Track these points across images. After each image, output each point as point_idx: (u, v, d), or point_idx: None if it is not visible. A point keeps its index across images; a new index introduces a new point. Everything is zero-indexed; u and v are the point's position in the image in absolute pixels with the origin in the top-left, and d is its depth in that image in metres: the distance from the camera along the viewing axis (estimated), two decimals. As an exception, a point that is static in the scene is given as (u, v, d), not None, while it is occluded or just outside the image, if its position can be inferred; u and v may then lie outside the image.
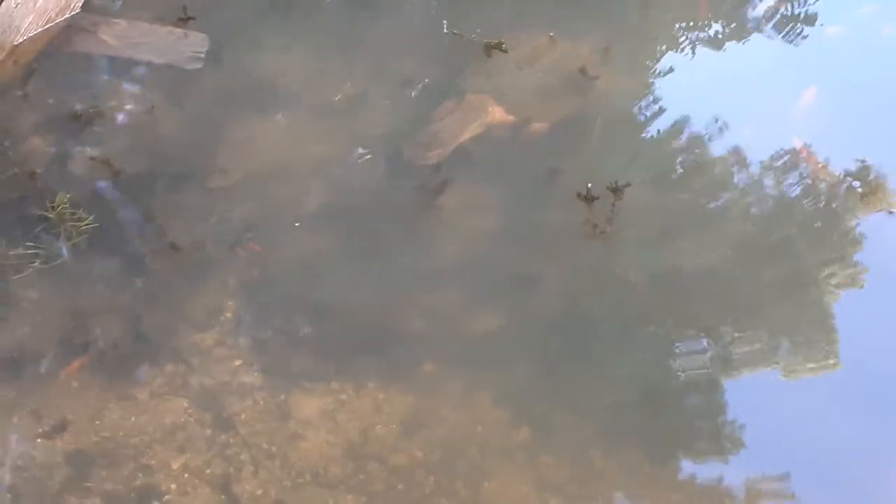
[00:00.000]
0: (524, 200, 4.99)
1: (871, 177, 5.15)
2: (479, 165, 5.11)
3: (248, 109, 5.26)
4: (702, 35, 5.86)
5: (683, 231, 4.99)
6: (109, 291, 4.56)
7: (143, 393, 4.29)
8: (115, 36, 5.43)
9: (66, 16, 5.43)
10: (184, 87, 5.32)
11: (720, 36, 5.88)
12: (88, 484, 4.03)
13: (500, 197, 5.00)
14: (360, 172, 5.07)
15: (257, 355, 4.46)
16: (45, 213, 4.67)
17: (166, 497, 4.03)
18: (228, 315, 4.56)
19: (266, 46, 5.48)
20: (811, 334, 4.70)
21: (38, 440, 4.13)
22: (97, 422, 4.20)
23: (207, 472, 4.11)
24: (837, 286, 4.85)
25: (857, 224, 5.03)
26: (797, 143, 5.30)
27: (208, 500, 4.04)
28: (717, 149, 5.29)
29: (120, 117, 5.17)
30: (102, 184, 4.88)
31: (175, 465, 4.10)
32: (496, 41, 5.51)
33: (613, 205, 4.88)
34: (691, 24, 5.91)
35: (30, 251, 4.59)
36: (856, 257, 4.93)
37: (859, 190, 5.11)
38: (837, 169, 5.21)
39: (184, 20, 5.49)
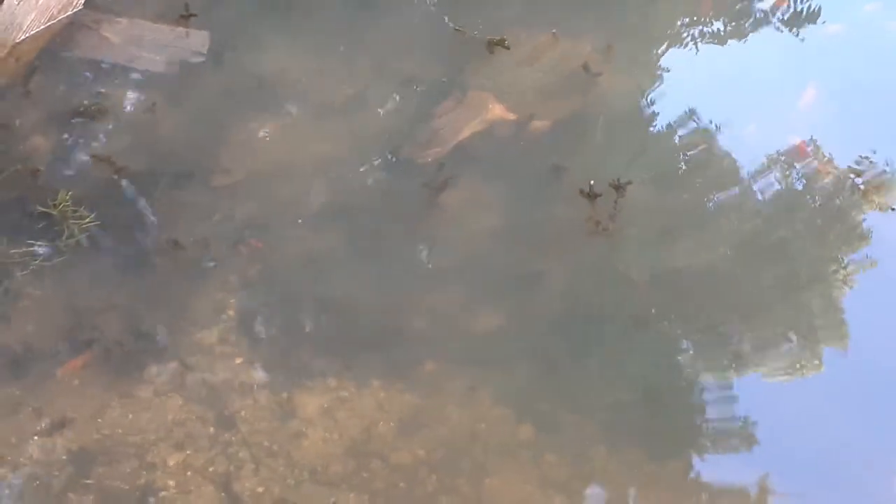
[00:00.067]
0: (526, 198, 4.99)
1: (873, 174, 5.15)
2: (480, 163, 5.10)
3: (250, 108, 5.26)
4: (704, 33, 5.86)
5: (685, 229, 4.98)
6: (111, 289, 4.56)
7: (145, 391, 4.30)
8: (117, 34, 5.43)
9: (69, 13, 5.44)
10: (185, 85, 5.33)
11: (722, 34, 5.87)
12: (89, 481, 4.04)
13: (502, 194, 5.00)
14: (361, 171, 5.07)
15: (259, 353, 4.46)
16: (47, 211, 4.67)
17: (167, 495, 4.03)
18: (230, 313, 4.56)
19: (267, 44, 5.48)
20: (812, 333, 4.70)
21: (39, 437, 4.14)
22: (98, 419, 4.20)
23: (209, 469, 4.11)
24: (839, 284, 4.84)
25: (859, 222, 5.03)
26: (798, 141, 5.29)
27: (209, 498, 4.04)
28: (720, 146, 5.29)
29: (122, 115, 5.17)
30: (104, 181, 4.88)
31: (176, 463, 4.11)
32: (498, 38, 5.51)
33: (616, 202, 4.88)
34: (693, 21, 5.91)
35: (32, 249, 4.60)
36: (858, 255, 4.93)
37: (861, 188, 5.11)
38: (839, 167, 5.20)
39: (185, 18, 5.50)
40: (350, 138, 5.17)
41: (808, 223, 5.07)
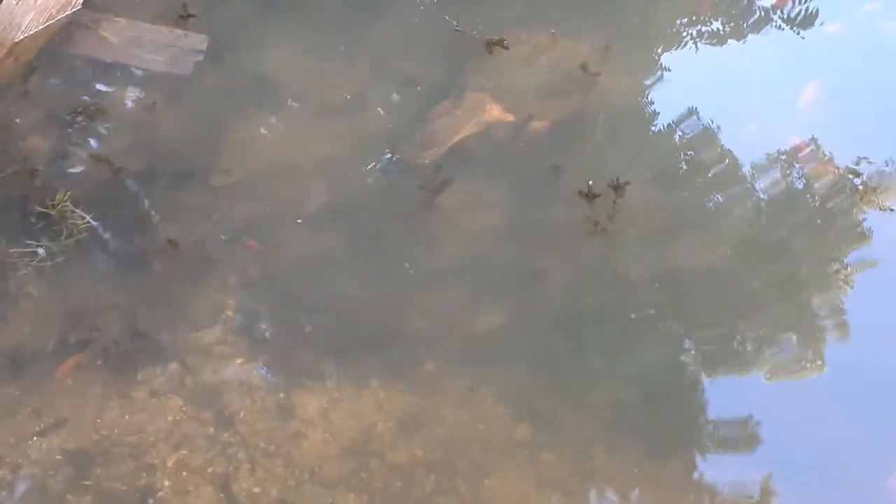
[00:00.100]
0: (525, 198, 4.99)
1: (872, 175, 5.14)
2: (478, 164, 5.10)
3: (250, 108, 5.26)
4: (703, 32, 5.85)
5: (685, 229, 4.98)
6: (109, 289, 4.56)
7: (143, 391, 4.29)
8: (116, 33, 5.43)
9: (67, 13, 5.43)
10: (185, 86, 5.32)
11: (721, 33, 5.87)
12: (88, 482, 4.04)
13: (501, 195, 5.00)
14: (361, 171, 5.06)
15: (257, 354, 4.46)
16: (46, 211, 4.67)
17: (165, 495, 4.03)
18: (229, 313, 4.56)
19: (267, 45, 5.48)
20: (812, 332, 4.69)
21: (38, 438, 4.14)
22: (96, 420, 4.20)
23: (207, 470, 4.11)
24: (838, 284, 4.84)
25: (859, 222, 5.03)
26: (797, 141, 5.29)
27: (208, 499, 4.04)
28: (718, 146, 5.28)
29: (121, 115, 5.17)
30: (103, 181, 4.88)
31: (174, 464, 4.10)
32: (497, 38, 5.51)
33: (615, 202, 4.88)
34: (693, 21, 5.90)
35: (30, 249, 4.60)
36: (857, 255, 4.92)
37: (860, 188, 5.10)
38: (839, 166, 5.20)
39: (184, 18, 5.49)
40: (349, 139, 5.17)
41: (807, 223, 5.07)
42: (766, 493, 4.21)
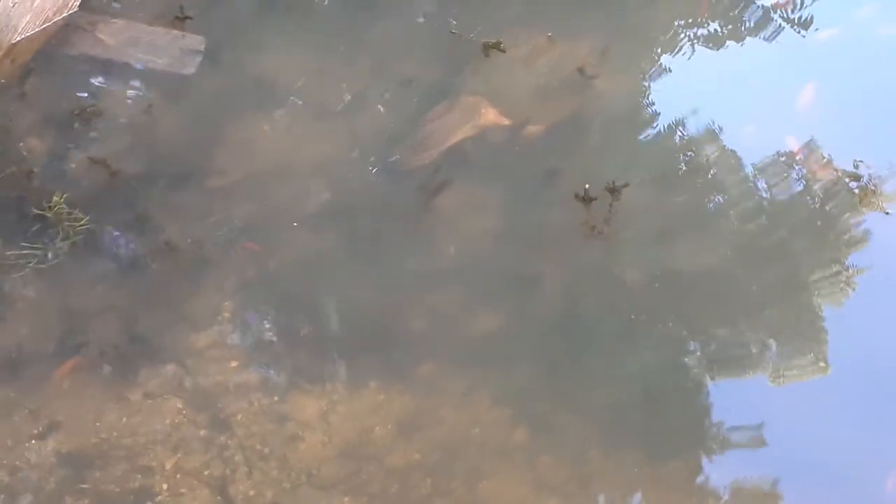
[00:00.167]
0: (522, 201, 4.99)
1: (869, 178, 5.15)
2: (476, 166, 5.10)
3: (247, 109, 5.25)
4: (700, 35, 5.86)
5: (681, 232, 4.99)
6: (106, 292, 4.55)
7: (139, 394, 4.29)
8: (113, 35, 5.42)
9: (64, 15, 5.43)
10: (182, 87, 5.32)
11: (719, 36, 5.87)
12: (83, 485, 4.03)
13: (499, 198, 5.00)
14: (358, 173, 5.06)
15: (254, 356, 4.45)
16: (42, 213, 4.66)
17: (162, 498, 4.03)
18: (226, 315, 4.56)
19: (264, 46, 5.48)
20: (810, 334, 4.70)
21: (34, 440, 4.13)
22: (94, 422, 4.19)
23: (204, 473, 4.11)
24: (835, 287, 4.84)
25: (855, 225, 5.04)
26: (793, 145, 5.30)
27: (204, 501, 4.04)
28: (715, 149, 5.29)
29: (117, 117, 5.16)
30: (99, 183, 4.88)
31: (170, 467, 4.10)
32: (494, 41, 5.51)
33: (611, 205, 4.88)
34: (690, 23, 5.91)
35: (26, 251, 4.59)
36: (853, 258, 4.93)
37: (856, 191, 5.11)
38: (837, 169, 5.21)
39: (181, 20, 5.49)
40: (347, 140, 5.17)
41: (805, 225, 5.08)
42: (765, 494, 4.22)
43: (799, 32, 5.86)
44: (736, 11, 6.00)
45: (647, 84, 5.61)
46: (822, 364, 4.60)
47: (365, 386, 4.39)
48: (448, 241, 4.86)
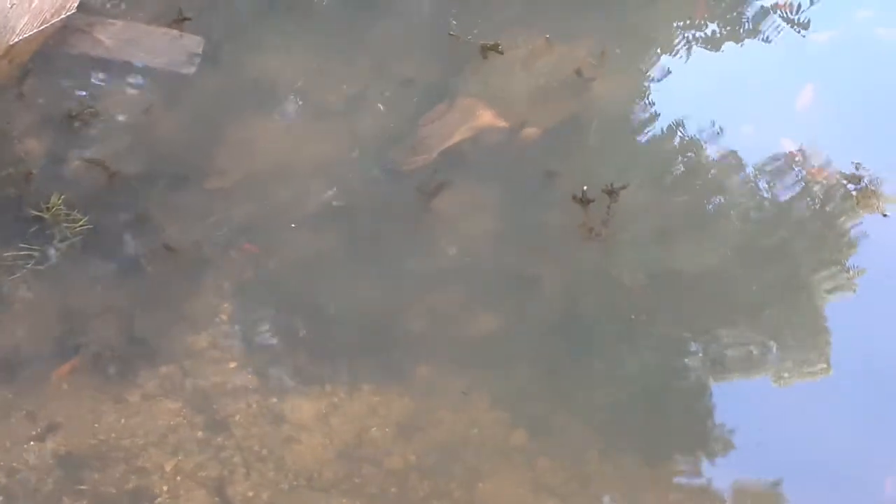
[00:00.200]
0: (520, 203, 4.99)
1: (867, 180, 5.15)
2: (474, 168, 5.10)
3: (246, 110, 5.26)
4: (698, 37, 5.86)
5: (679, 233, 4.98)
6: (104, 293, 4.55)
7: (137, 395, 4.29)
8: (111, 36, 5.42)
9: (62, 16, 5.43)
10: (180, 88, 5.32)
11: (717, 38, 5.87)
12: (81, 486, 4.03)
13: (497, 199, 5.00)
14: (358, 173, 5.06)
15: (252, 357, 4.45)
16: (40, 214, 4.66)
17: (160, 500, 4.02)
18: (224, 317, 4.55)
19: (264, 46, 5.48)
20: (808, 336, 4.70)
21: (31, 442, 4.13)
22: (91, 424, 4.19)
23: (201, 474, 4.10)
24: (833, 289, 4.84)
25: (853, 227, 5.04)
26: (792, 146, 5.30)
27: (202, 503, 4.03)
28: (713, 151, 5.29)
29: (115, 118, 5.16)
30: (98, 184, 4.87)
31: (168, 468, 4.10)
32: (492, 43, 5.51)
33: (609, 207, 4.88)
34: (688, 26, 5.91)
35: (24, 252, 4.59)
36: (851, 260, 4.93)
37: (854, 193, 5.11)
38: (835, 171, 5.21)
39: (179, 21, 5.49)
40: (346, 141, 5.17)
41: (804, 226, 5.08)
42: (764, 494, 4.21)
43: (798, 33, 5.86)
44: (735, 13, 6.00)
45: (645, 85, 5.61)
46: (821, 365, 4.60)
47: (363, 387, 4.39)
48: (447, 242, 4.86)
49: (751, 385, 4.55)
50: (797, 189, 5.17)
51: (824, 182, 5.18)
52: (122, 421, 4.21)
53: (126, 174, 4.91)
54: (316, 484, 4.11)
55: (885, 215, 5.05)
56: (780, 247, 4.97)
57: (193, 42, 5.45)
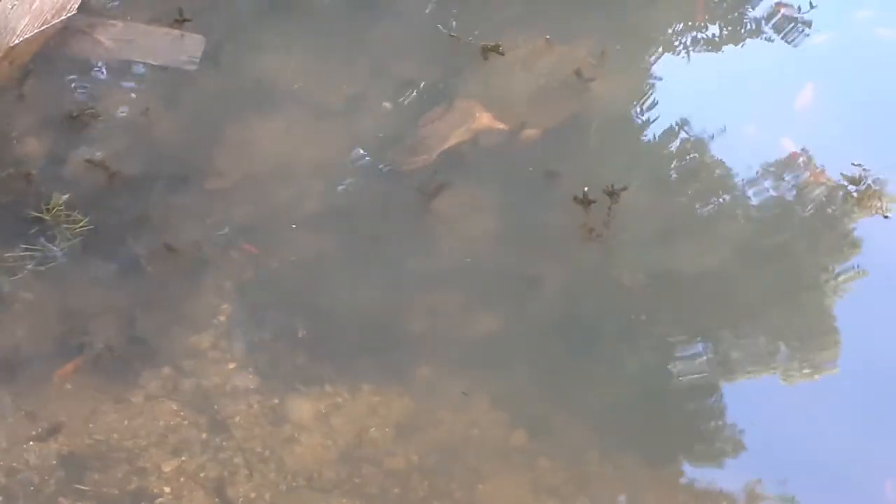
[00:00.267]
0: (520, 204, 4.98)
1: (868, 181, 5.15)
2: (475, 169, 5.10)
3: (246, 111, 5.26)
4: (698, 38, 5.86)
5: (680, 234, 4.98)
6: (104, 293, 4.55)
7: (138, 395, 4.29)
8: (111, 37, 5.42)
9: (62, 17, 5.43)
10: (180, 89, 5.32)
11: (717, 39, 5.87)
12: (82, 486, 4.03)
13: (497, 200, 5.00)
14: (356, 174, 5.06)
15: (253, 358, 4.45)
16: (41, 215, 4.66)
17: (160, 500, 4.02)
18: (223, 318, 4.55)
19: (264, 47, 5.48)
20: (808, 338, 4.70)
21: (32, 442, 4.13)
22: (91, 424, 4.19)
23: (201, 475, 4.10)
24: (834, 290, 4.84)
25: (854, 228, 5.03)
26: (792, 147, 5.30)
27: None
28: (714, 152, 5.28)
29: (115, 119, 5.16)
30: (98, 185, 4.88)
31: (169, 469, 4.10)
32: (493, 44, 5.51)
33: (610, 208, 4.88)
34: (688, 26, 5.91)
35: (25, 253, 4.59)
36: (852, 261, 4.93)
37: (855, 194, 5.11)
38: (834, 173, 5.20)
39: (180, 22, 5.49)
40: (346, 141, 5.17)
41: (803, 229, 5.07)
42: (764, 497, 4.21)
43: (798, 33, 5.86)
44: (735, 13, 6.00)
45: (645, 85, 5.61)
46: (822, 366, 4.60)
47: (364, 387, 4.39)
48: (447, 242, 4.86)
49: (751, 385, 4.54)
50: (798, 190, 5.16)
51: (825, 183, 5.17)
52: (124, 421, 4.21)
53: (126, 175, 4.91)
54: (316, 484, 4.11)
55: (886, 216, 5.05)
56: (780, 248, 4.97)
57: (194, 43, 5.45)
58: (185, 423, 4.23)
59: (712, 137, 5.34)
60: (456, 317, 4.61)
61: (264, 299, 4.63)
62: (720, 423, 4.43)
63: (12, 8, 5.17)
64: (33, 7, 5.25)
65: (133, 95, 5.27)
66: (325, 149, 5.14)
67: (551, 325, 4.62)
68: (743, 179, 5.18)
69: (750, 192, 5.15)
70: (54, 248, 4.61)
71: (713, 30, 5.90)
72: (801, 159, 5.26)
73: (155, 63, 5.37)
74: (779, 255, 4.93)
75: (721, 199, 5.12)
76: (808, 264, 4.93)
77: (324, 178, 5.03)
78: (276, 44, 5.49)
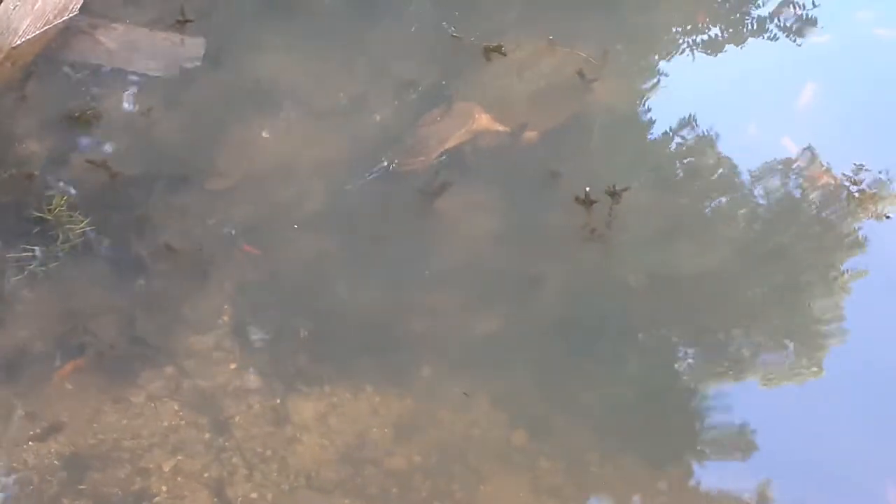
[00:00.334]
0: (522, 204, 4.99)
1: (869, 181, 5.15)
2: (476, 170, 5.10)
3: (247, 111, 5.26)
4: (700, 39, 5.86)
5: (681, 235, 4.98)
6: (106, 294, 4.56)
7: (139, 396, 4.29)
8: (113, 39, 5.43)
9: (64, 18, 5.44)
10: (181, 90, 5.33)
11: (718, 40, 5.88)
12: (83, 486, 4.03)
13: (499, 201, 5.00)
14: (358, 174, 5.06)
15: (253, 358, 4.45)
16: (42, 216, 4.67)
17: (161, 500, 4.02)
18: (225, 318, 4.56)
19: (264, 48, 5.48)
20: (809, 338, 4.70)
21: (33, 442, 4.13)
22: (92, 424, 4.19)
23: (203, 475, 4.11)
24: (835, 290, 4.84)
25: (854, 228, 5.03)
26: (793, 148, 5.30)
27: (203, 504, 4.05)
28: (715, 152, 5.29)
29: (117, 120, 5.17)
30: (99, 186, 4.88)
31: (170, 469, 4.10)
32: (495, 45, 5.51)
33: (611, 209, 4.88)
34: (689, 29, 5.91)
35: (26, 253, 4.59)
36: (853, 262, 4.93)
37: (856, 195, 5.11)
38: (836, 174, 5.21)
39: (181, 23, 5.50)
40: (347, 142, 5.17)
41: (805, 228, 5.07)
42: (763, 499, 4.21)
43: (799, 34, 5.86)
44: (734, 16, 6.00)
45: (647, 86, 5.62)
46: (820, 369, 4.59)
47: (364, 387, 4.39)
48: (448, 243, 4.86)
49: (751, 386, 4.54)
50: (798, 191, 5.17)
51: (826, 184, 5.17)
52: (124, 421, 4.21)
53: (128, 175, 4.92)
54: (317, 485, 4.11)
55: (886, 217, 5.05)
56: (781, 248, 4.97)
57: (195, 44, 5.46)
58: (187, 423, 4.23)
59: (713, 138, 5.34)
60: (457, 317, 4.61)
61: (265, 299, 4.64)
62: (720, 423, 4.43)
63: (14, 9, 5.18)
64: (35, 8, 5.26)
65: (134, 96, 5.28)
66: (327, 149, 5.14)
67: (552, 326, 4.62)
68: (744, 180, 5.18)
69: (753, 192, 5.16)
70: (56, 248, 4.62)
71: (714, 32, 5.91)
72: (801, 160, 5.26)
73: (156, 64, 5.37)
74: (779, 256, 4.93)
75: (722, 200, 5.12)
76: (809, 264, 4.93)
77: (325, 179, 5.03)
78: (276, 44, 5.50)
